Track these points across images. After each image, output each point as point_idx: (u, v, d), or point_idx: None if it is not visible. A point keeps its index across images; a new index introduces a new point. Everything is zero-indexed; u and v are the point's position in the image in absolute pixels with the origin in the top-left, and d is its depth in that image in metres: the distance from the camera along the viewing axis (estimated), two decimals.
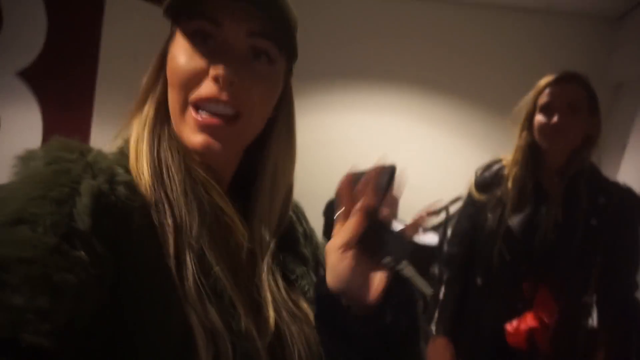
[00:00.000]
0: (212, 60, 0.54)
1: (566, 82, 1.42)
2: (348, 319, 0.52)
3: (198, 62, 0.55)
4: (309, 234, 0.75)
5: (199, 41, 0.55)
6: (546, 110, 1.42)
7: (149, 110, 0.59)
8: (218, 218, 0.57)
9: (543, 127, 1.42)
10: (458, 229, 1.66)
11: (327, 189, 2.95)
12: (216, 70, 0.53)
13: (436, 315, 1.60)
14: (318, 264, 0.73)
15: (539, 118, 1.43)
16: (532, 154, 1.47)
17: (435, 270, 1.84)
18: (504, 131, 1.59)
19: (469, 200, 1.61)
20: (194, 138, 0.56)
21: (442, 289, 1.62)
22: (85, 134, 3.05)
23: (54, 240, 0.40)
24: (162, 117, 0.59)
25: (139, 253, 0.47)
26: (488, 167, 1.60)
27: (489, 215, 1.52)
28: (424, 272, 2.32)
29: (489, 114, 3.08)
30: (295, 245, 0.69)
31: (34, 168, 0.47)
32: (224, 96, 0.54)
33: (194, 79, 0.55)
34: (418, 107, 3.22)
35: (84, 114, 3.08)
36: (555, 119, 1.39)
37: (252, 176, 0.66)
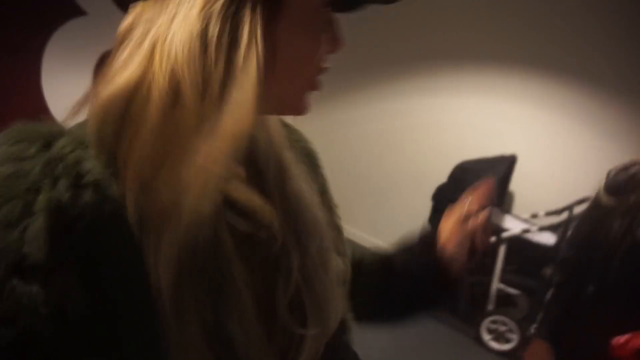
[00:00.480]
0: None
1: None
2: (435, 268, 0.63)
3: None
4: (321, 190, 0.60)
5: None
6: None
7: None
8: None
9: None
10: (578, 232, 1.56)
11: (439, 173, 2.87)
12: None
13: (540, 317, 1.52)
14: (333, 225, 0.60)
15: None
16: None
17: (547, 271, 1.75)
18: None
19: (596, 203, 1.49)
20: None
21: (551, 292, 1.54)
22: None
23: None
24: None
25: (116, 281, 0.37)
26: (624, 168, 1.46)
27: (616, 222, 1.39)
28: (533, 273, 2.18)
29: (631, 105, 2.71)
30: None
31: None
32: None
33: None
34: (543, 92, 2.90)
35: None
36: None
37: None
